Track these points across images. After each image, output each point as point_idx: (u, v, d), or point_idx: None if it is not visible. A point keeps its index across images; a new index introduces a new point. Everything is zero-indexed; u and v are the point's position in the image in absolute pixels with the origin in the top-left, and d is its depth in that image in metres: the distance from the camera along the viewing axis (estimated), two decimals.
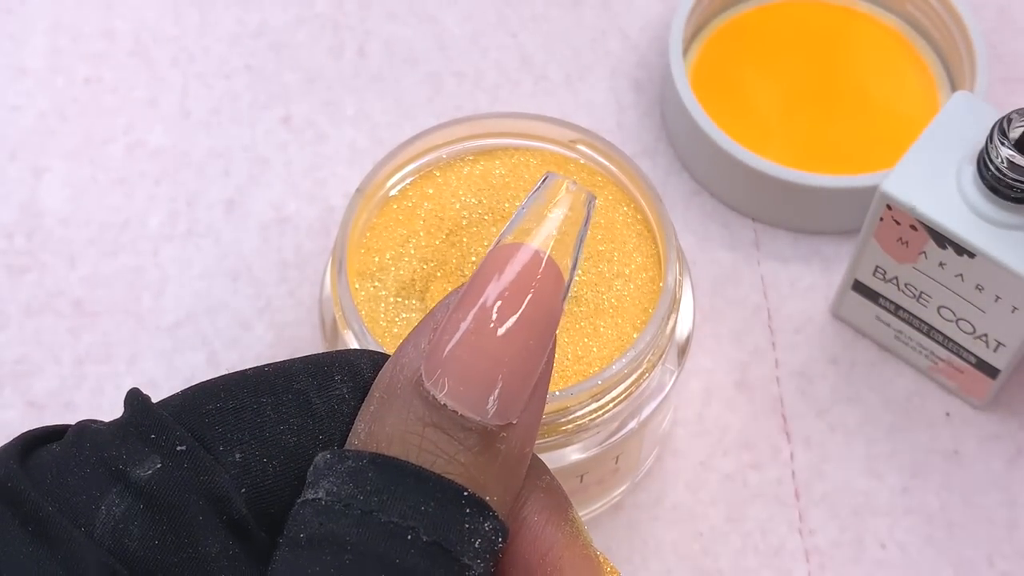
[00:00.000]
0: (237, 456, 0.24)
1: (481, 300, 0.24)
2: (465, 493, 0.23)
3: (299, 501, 0.23)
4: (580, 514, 0.42)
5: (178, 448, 0.23)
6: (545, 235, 0.25)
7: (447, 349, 0.23)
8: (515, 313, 0.23)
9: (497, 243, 0.25)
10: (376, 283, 0.37)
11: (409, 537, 0.22)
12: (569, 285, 0.25)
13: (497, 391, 0.23)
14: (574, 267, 0.25)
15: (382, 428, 0.23)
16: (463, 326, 0.23)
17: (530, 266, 0.24)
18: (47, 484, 0.23)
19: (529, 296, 0.24)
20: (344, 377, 0.25)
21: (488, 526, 0.23)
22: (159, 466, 0.23)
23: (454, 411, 0.23)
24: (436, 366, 0.23)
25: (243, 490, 0.24)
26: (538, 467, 0.26)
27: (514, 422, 0.23)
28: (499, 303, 0.24)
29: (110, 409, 0.45)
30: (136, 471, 0.23)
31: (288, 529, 0.23)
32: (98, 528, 0.23)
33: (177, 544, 0.23)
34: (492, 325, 0.23)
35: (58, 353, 0.46)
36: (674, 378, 0.38)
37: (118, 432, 0.24)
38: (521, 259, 0.24)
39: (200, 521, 0.23)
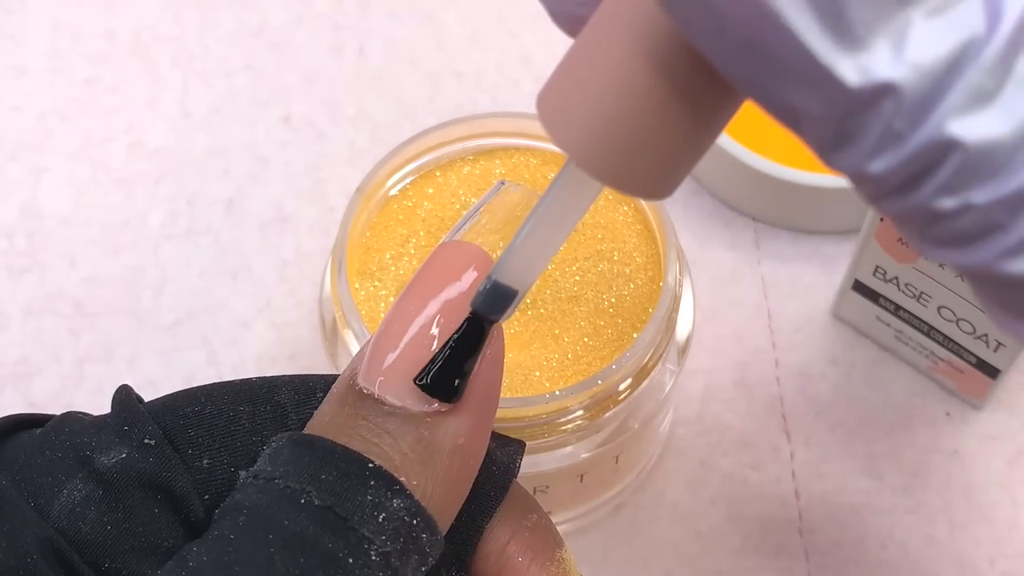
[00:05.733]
0: (204, 462, 0.24)
1: (410, 296, 0.24)
2: (370, 465, 0.23)
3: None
4: (580, 514, 0.42)
5: (146, 442, 0.24)
6: (474, 231, 0.25)
7: (377, 345, 0.24)
8: (436, 299, 0.24)
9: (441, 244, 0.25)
10: (376, 283, 0.37)
11: (302, 501, 0.22)
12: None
13: (414, 374, 0.23)
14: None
15: (315, 420, 0.24)
16: (392, 321, 0.24)
17: (455, 254, 0.24)
18: (19, 464, 0.24)
19: (452, 281, 0.24)
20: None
21: (397, 503, 0.22)
22: (124, 456, 0.24)
23: (379, 399, 0.23)
24: (368, 362, 0.24)
25: (206, 496, 0.24)
26: (526, 506, 0.26)
27: (440, 409, 0.23)
28: (422, 294, 0.24)
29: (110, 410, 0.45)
30: (101, 458, 0.24)
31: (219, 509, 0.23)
32: (55, 509, 0.23)
33: (130, 532, 0.23)
34: (413, 314, 0.24)
35: (58, 354, 0.46)
36: (674, 378, 0.38)
37: (97, 423, 0.24)
38: (446, 249, 0.24)
39: (156, 514, 0.23)
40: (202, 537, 0.22)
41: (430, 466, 0.23)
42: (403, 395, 0.23)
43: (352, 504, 0.22)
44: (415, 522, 0.23)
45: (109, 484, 0.23)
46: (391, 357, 0.23)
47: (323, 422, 0.24)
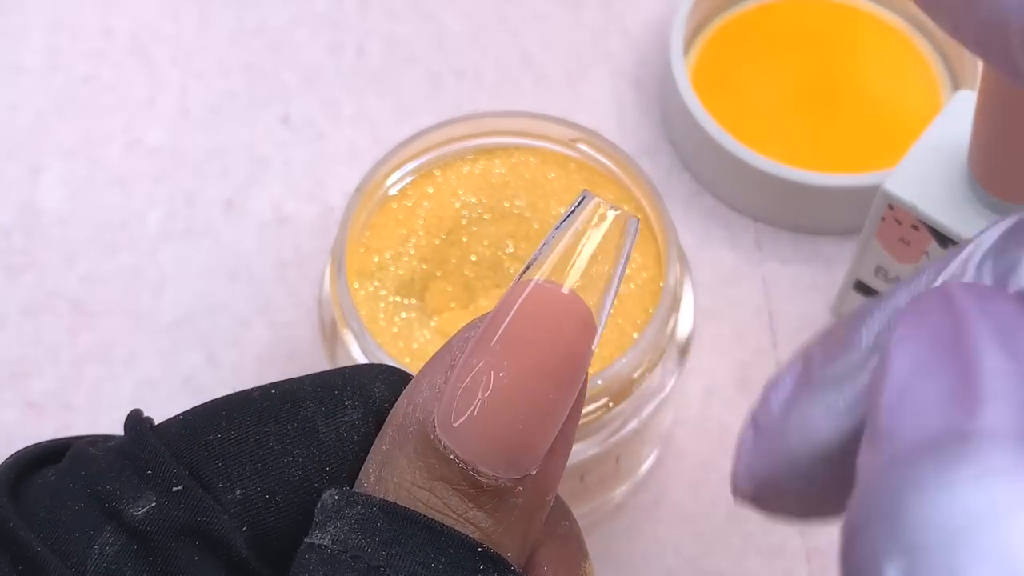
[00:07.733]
0: (237, 493, 0.23)
1: (496, 346, 0.21)
2: (480, 549, 0.21)
3: (306, 543, 0.22)
4: (580, 514, 0.42)
5: (174, 489, 0.22)
6: (574, 270, 0.22)
7: (459, 397, 0.21)
8: (534, 363, 0.21)
9: (519, 277, 0.22)
10: (376, 282, 0.37)
11: None
12: (601, 328, 0.22)
13: (512, 445, 0.21)
14: (609, 307, 0.22)
15: (391, 474, 0.22)
16: (476, 373, 0.21)
17: (554, 308, 0.21)
18: (40, 517, 0.22)
19: (551, 343, 0.21)
20: (355, 402, 0.23)
21: None
22: (154, 504, 0.22)
23: (466, 464, 0.21)
24: (448, 414, 0.21)
25: (244, 529, 0.23)
26: (559, 512, 0.25)
27: (532, 473, 0.22)
28: (516, 351, 0.21)
29: (109, 410, 0.45)
30: (130, 509, 0.22)
31: (293, 575, 0.22)
32: (90, 569, 0.22)
33: None
34: (507, 375, 0.21)
35: (56, 353, 0.46)
36: (674, 378, 0.38)
37: (115, 463, 0.23)
38: (544, 299, 0.21)
39: (196, 562, 0.22)
40: None
41: (521, 532, 0.22)
42: (498, 467, 0.21)
43: None
44: None
45: (144, 537, 0.22)
46: (484, 427, 0.21)
47: (404, 482, 0.22)
